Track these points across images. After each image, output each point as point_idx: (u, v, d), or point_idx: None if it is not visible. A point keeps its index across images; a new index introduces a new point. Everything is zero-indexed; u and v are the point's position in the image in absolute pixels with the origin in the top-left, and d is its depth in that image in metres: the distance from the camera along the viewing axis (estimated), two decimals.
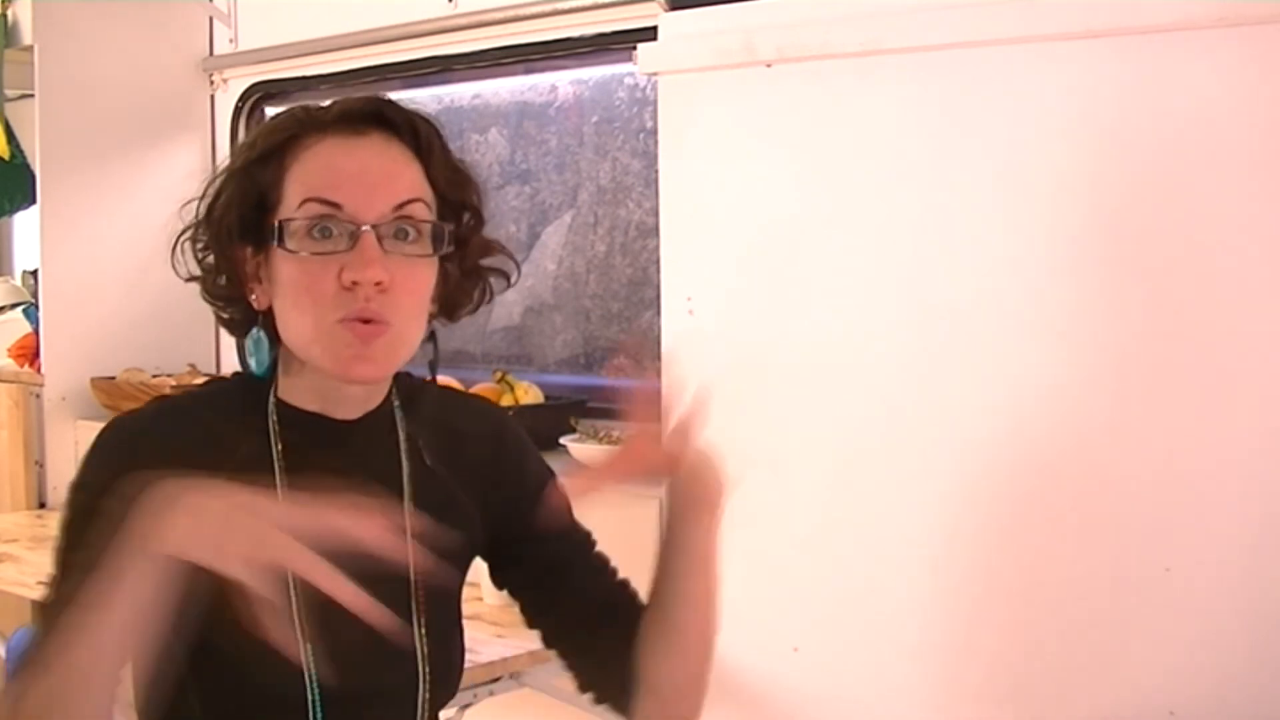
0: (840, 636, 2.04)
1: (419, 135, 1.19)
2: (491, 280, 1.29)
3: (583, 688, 1.35)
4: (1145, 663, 1.77)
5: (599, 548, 1.39)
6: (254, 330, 1.22)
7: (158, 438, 1.19)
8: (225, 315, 1.25)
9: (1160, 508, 1.76)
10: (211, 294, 1.24)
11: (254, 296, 1.20)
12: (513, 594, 1.37)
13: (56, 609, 1.06)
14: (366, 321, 1.14)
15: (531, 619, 1.37)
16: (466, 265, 1.26)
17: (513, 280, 1.30)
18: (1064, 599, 1.84)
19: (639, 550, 2.26)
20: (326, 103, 1.20)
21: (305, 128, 1.17)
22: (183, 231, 1.22)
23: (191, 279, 1.24)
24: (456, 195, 1.22)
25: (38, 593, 2.54)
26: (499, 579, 1.37)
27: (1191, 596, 1.73)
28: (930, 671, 1.96)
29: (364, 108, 1.18)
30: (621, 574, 1.39)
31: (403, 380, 1.30)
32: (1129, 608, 1.78)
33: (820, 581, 2.05)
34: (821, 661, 2.05)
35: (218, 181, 1.21)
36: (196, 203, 1.21)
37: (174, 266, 1.23)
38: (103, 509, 1.10)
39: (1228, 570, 1.71)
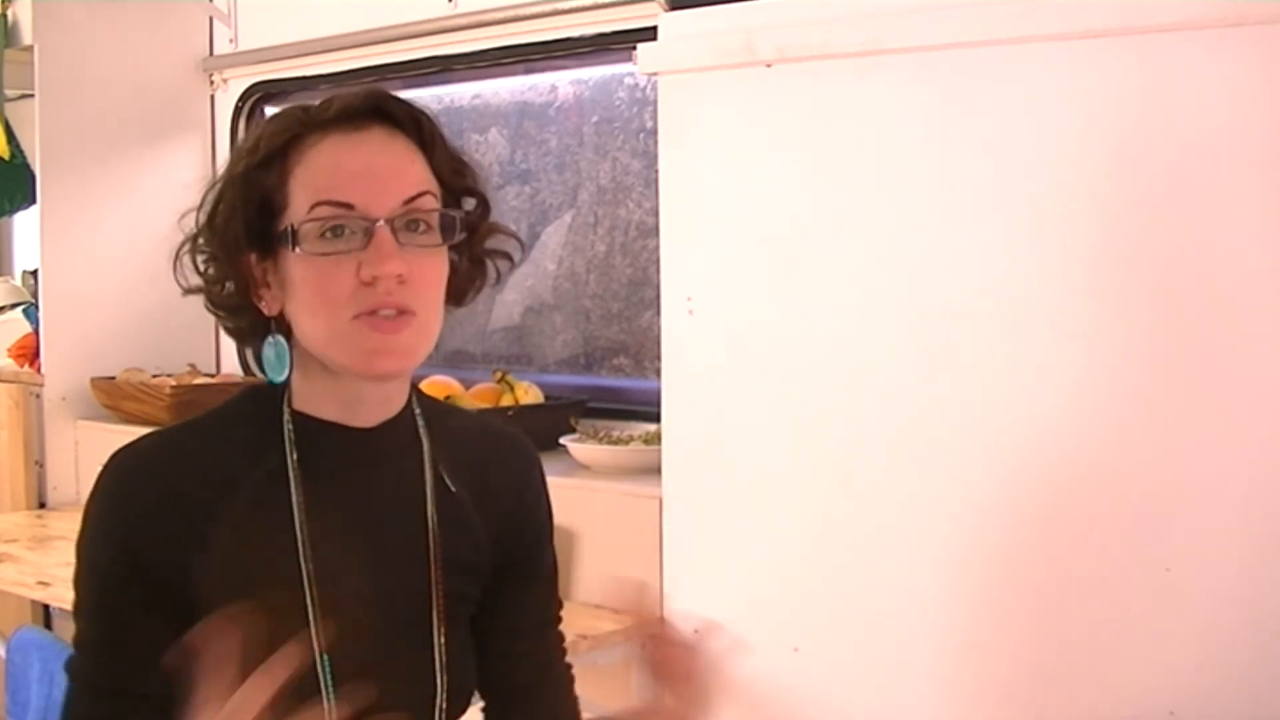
0: (840, 636, 2.04)
1: (421, 127, 1.18)
2: (497, 262, 1.28)
3: None
4: (1145, 663, 1.77)
5: (559, 625, 1.39)
6: (272, 337, 1.20)
7: (158, 477, 1.17)
8: (231, 324, 1.22)
9: (1160, 508, 1.76)
10: (216, 304, 1.21)
11: (263, 303, 1.18)
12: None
13: (86, 660, 1.15)
14: (392, 315, 1.12)
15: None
16: (474, 252, 1.25)
17: (517, 260, 1.29)
18: (1064, 599, 1.84)
19: (639, 550, 2.27)
20: (323, 100, 1.18)
21: (305, 127, 1.15)
22: (183, 243, 1.20)
23: (192, 290, 1.21)
24: (460, 184, 1.22)
25: (38, 593, 2.54)
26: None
27: (1191, 596, 1.73)
28: (930, 671, 1.96)
29: (364, 103, 1.16)
30: (566, 664, 1.39)
31: (424, 397, 1.29)
32: (1129, 608, 1.78)
33: (820, 581, 2.05)
34: (821, 661, 2.05)
35: (216, 189, 1.18)
36: (195, 212, 1.19)
37: (177, 280, 1.21)
38: (108, 566, 1.14)
39: (1228, 570, 1.71)
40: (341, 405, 1.20)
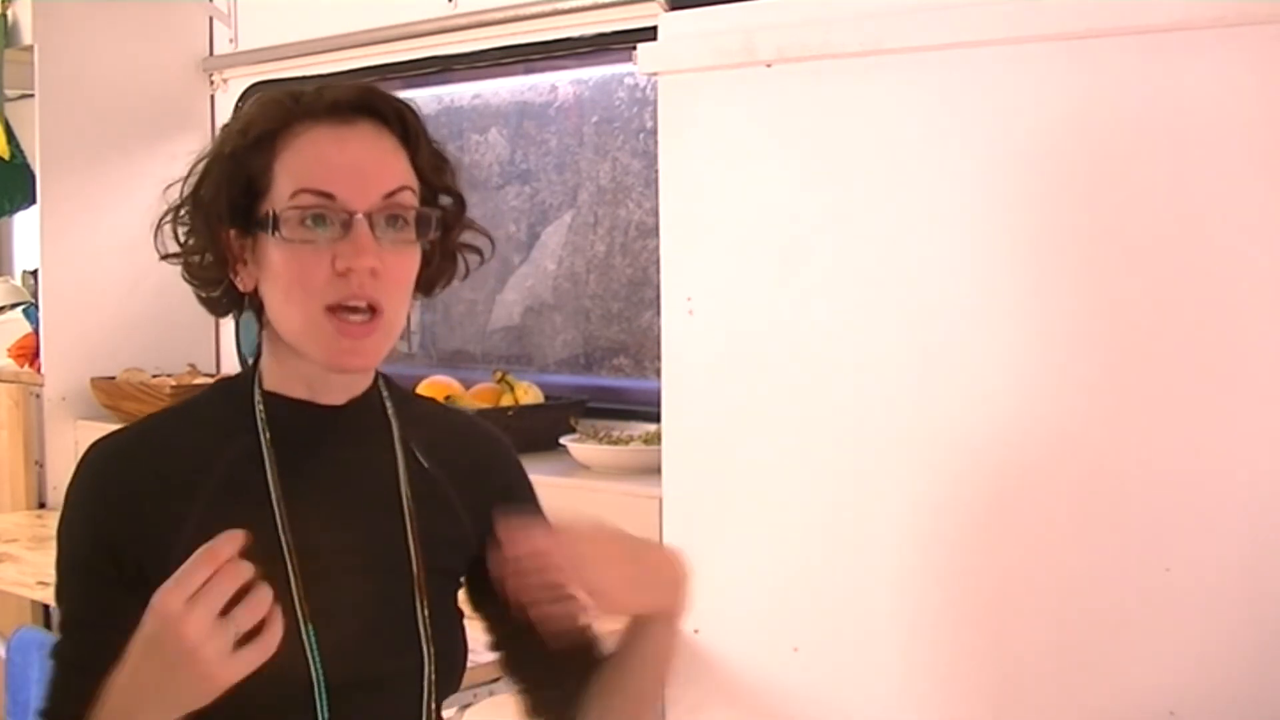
0: (840, 636, 2.04)
1: (406, 124, 1.21)
2: (467, 257, 1.31)
3: (531, 713, 1.35)
4: (1145, 662, 1.77)
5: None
6: (245, 314, 1.25)
7: (138, 462, 1.20)
8: (205, 294, 1.25)
9: (1160, 508, 1.76)
10: (193, 274, 1.25)
11: (239, 278, 1.21)
12: (482, 616, 1.36)
13: (63, 641, 1.19)
14: (357, 310, 1.16)
15: (495, 643, 1.37)
16: (446, 247, 1.28)
17: (486, 256, 1.32)
18: (1064, 599, 1.84)
19: None
20: (312, 88, 1.21)
21: (295, 116, 1.18)
22: (166, 212, 1.23)
23: (170, 256, 1.24)
24: (439, 181, 1.25)
25: (38, 593, 2.55)
26: (474, 598, 1.36)
27: (1191, 596, 1.73)
28: (930, 672, 1.96)
29: (354, 98, 1.19)
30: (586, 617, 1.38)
31: (389, 380, 1.32)
32: (1129, 608, 1.78)
33: (820, 581, 2.05)
34: (821, 661, 2.06)
35: (203, 164, 1.22)
36: (181, 183, 1.22)
37: (156, 247, 1.24)
38: (83, 549, 1.17)
39: (1228, 570, 1.71)
40: (308, 384, 1.23)
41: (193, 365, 3.38)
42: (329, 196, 1.15)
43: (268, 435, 1.22)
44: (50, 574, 1.23)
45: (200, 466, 1.19)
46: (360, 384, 1.27)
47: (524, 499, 1.38)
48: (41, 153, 3.23)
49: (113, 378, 3.24)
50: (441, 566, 1.27)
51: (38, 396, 3.29)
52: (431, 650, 1.23)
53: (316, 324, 1.16)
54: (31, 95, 3.25)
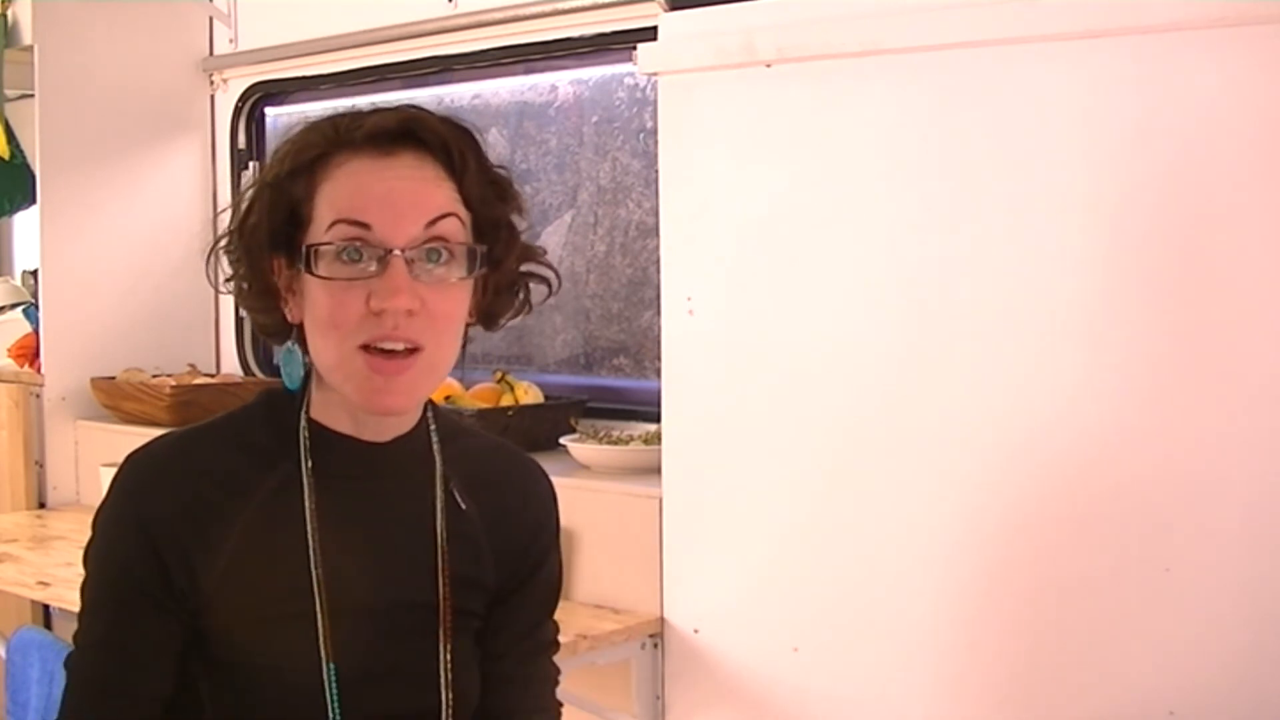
0: (840, 636, 2.04)
1: (451, 153, 1.16)
2: (531, 285, 1.26)
3: None
4: (1145, 663, 1.77)
5: (551, 655, 1.36)
6: (288, 344, 1.21)
7: (176, 483, 1.17)
8: (259, 321, 1.23)
9: (1160, 508, 1.76)
10: (243, 302, 1.23)
11: (288, 308, 1.19)
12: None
13: (89, 659, 1.16)
14: (393, 354, 1.12)
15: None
16: (504, 279, 1.23)
17: (554, 289, 1.27)
18: (1064, 599, 1.84)
19: (639, 550, 2.27)
20: (357, 107, 1.18)
21: (336, 146, 1.15)
22: (215, 242, 1.20)
23: (224, 281, 1.22)
24: (491, 211, 1.19)
25: (38, 593, 2.54)
26: None
27: (1191, 596, 1.74)
28: (930, 671, 1.96)
29: (396, 126, 1.15)
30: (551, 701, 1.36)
31: (442, 414, 1.29)
32: (1129, 608, 1.79)
33: (820, 582, 2.05)
34: (821, 661, 2.06)
35: (250, 192, 1.19)
36: (231, 210, 1.20)
37: (208, 277, 1.22)
38: (122, 562, 1.14)
39: (1228, 570, 1.71)
40: (353, 419, 1.21)
41: (193, 365, 3.37)
42: (365, 226, 1.11)
43: (309, 465, 1.19)
44: (50, 574, 1.23)
45: (239, 492, 1.17)
46: (407, 421, 1.23)
47: (547, 546, 1.34)
48: (41, 153, 3.22)
49: (113, 378, 3.24)
50: (467, 608, 1.25)
51: (38, 396, 3.28)
52: (450, 695, 1.22)
53: (349, 362, 1.13)
54: (31, 95, 3.25)
